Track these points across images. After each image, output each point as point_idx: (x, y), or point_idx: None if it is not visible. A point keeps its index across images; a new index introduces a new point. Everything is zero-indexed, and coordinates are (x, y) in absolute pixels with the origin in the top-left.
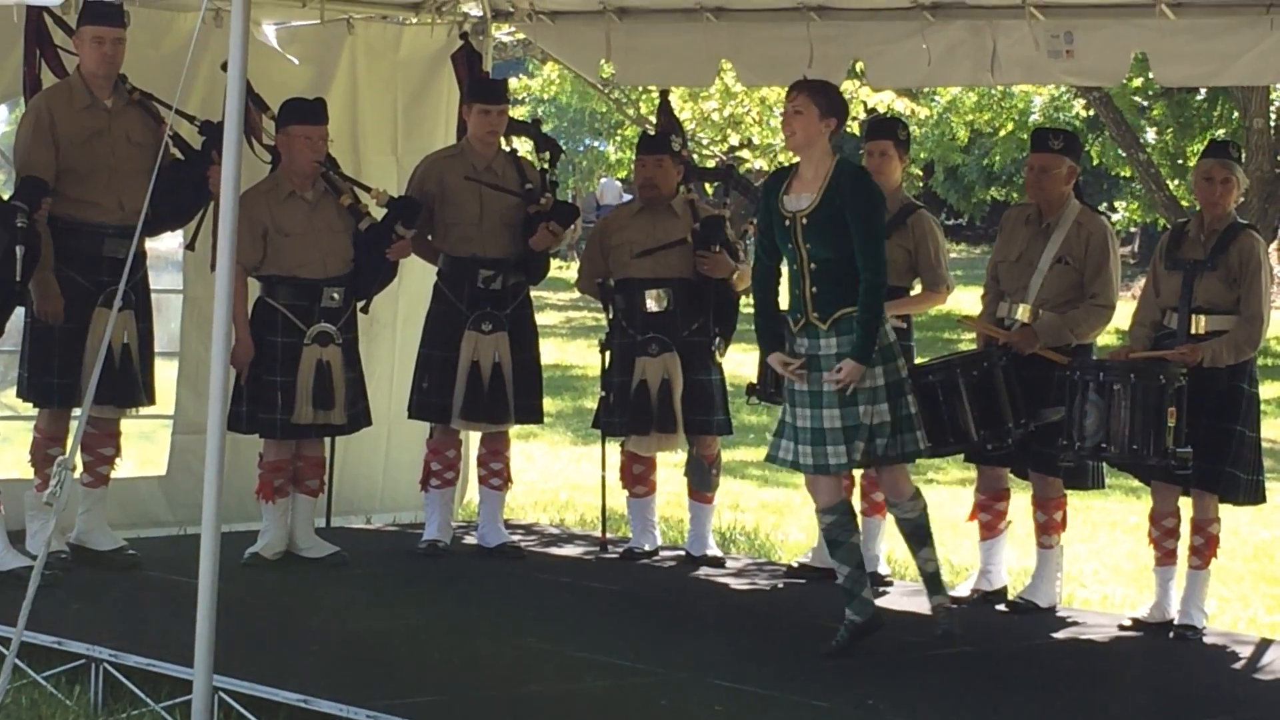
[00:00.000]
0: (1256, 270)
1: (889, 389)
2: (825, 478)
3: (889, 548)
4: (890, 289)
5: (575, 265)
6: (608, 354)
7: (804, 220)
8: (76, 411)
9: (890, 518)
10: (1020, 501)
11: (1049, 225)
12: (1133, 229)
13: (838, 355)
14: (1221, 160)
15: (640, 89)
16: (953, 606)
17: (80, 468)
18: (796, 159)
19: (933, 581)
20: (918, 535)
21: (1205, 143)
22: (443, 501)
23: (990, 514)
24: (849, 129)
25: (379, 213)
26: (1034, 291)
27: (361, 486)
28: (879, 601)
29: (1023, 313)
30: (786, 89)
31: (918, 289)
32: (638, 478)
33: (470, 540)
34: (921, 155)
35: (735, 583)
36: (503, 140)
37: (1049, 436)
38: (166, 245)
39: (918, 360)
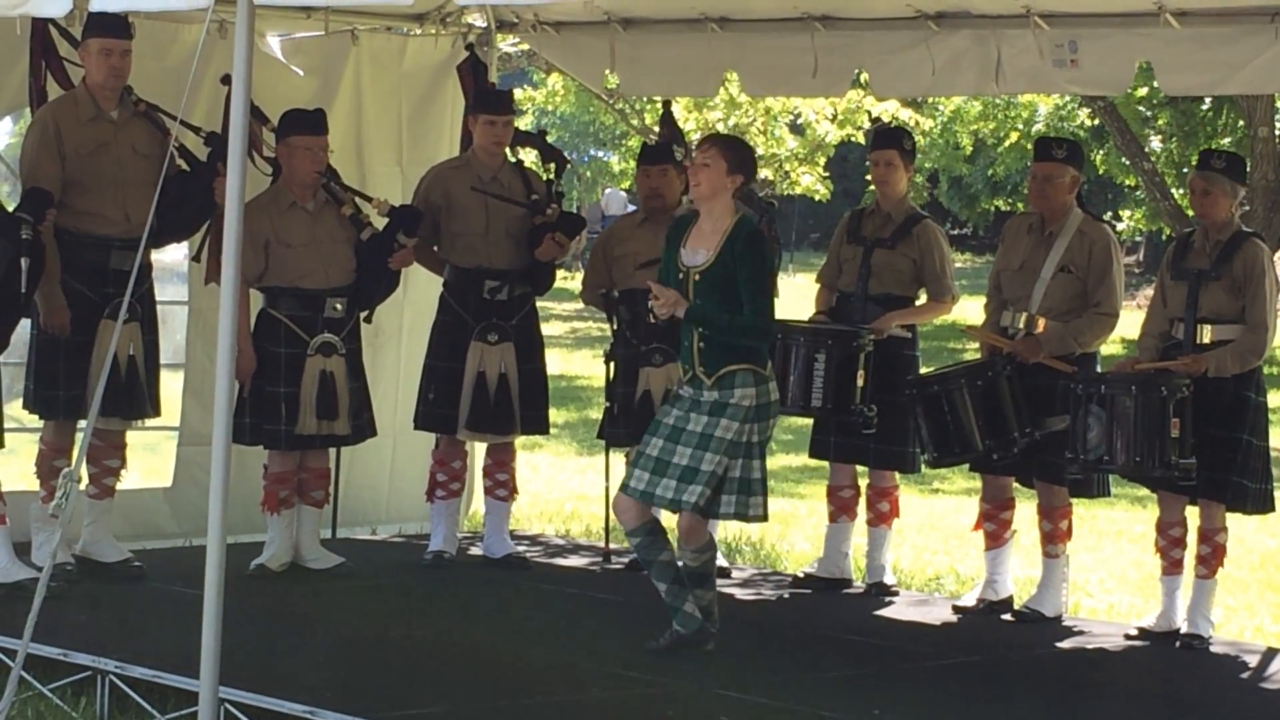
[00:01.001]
0: (1260, 279)
1: (752, 448)
2: (628, 501)
3: (894, 558)
4: (895, 299)
5: (580, 276)
6: (612, 364)
7: (696, 276)
8: (82, 423)
9: (894, 528)
10: (1026, 511)
11: (1051, 234)
12: (1138, 238)
13: (714, 404)
14: (1201, 172)
15: (645, 99)
16: (713, 631)
17: (86, 479)
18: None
19: (705, 612)
20: (699, 578)
21: None
22: (448, 512)
23: (995, 523)
24: (855, 139)
25: (381, 222)
26: (1037, 300)
27: (367, 497)
28: (884, 612)
29: (1025, 321)
30: (698, 142)
31: (923, 299)
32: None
33: (476, 551)
34: (926, 165)
35: (741, 593)
36: (508, 151)
37: (1054, 445)
38: (172, 257)
39: (922, 370)
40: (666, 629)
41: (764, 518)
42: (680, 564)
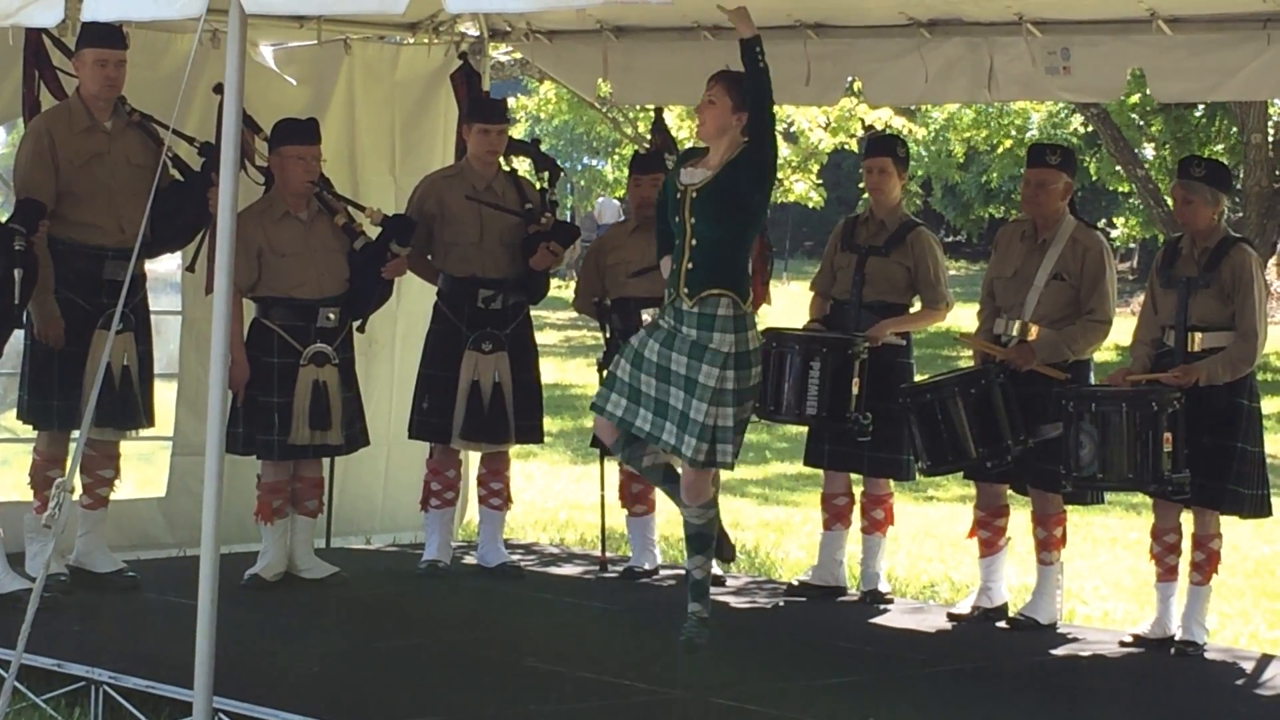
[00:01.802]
0: (1249, 285)
1: (737, 394)
2: (608, 424)
3: (889, 565)
4: (889, 306)
5: (574, 284)
6: (605, 373)
7: (694, 194)
8: (76, 434)
9: (889, 535)
10: (1020, 518)
11: (1044, 241)
12: (1131, 245)
13: (694, 345)
14: (1182, 181)
15: (638, 108)
16: (705, 616)
17: (79, 490)
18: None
19: (696, 588)
20: (698, 541)
21: None
22: (443, 521)
23: (990, 531)
24: (848, 146)
25: (374, 232)
26: (1030, 308)
27: (361, 507)
28: (879, 619)
29: (1019, 329)
30: (708, 80)
31: (917, 307)
32: (637, 497)
33: (470, 560)
34: (919, 173)
35: (735, 601)
36: (502, 160)
37: (1048, 453)
38: (165, 267)
39: (916, 378)
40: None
41: (730, 465)
42: (685, 523)
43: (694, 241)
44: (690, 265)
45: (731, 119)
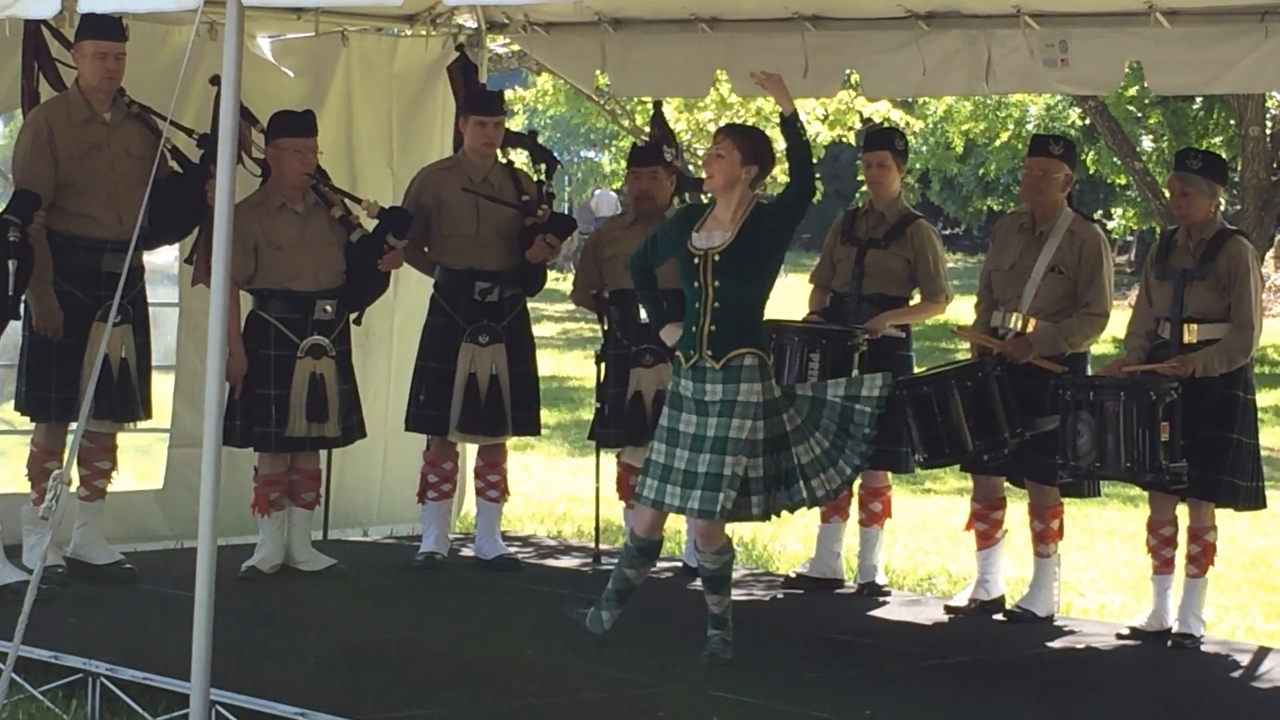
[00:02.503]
0: (1245, 277)
1: (768, 443)
2: (645, 510)
3: (886, 558)
4: (889, 298)
5: (571, 277)
6: (603, 365)
7: (715, 257)
8: (73, 425)
9: (887, 528)
10: (1017, 511)
11: (1042, 234)
12: (1129, 237)
13: (723, 404)
14: (1178, 173)
15: (635, 100)
16: (728, 640)
17: (77, 481)
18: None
19: (716, 620)
20: (714, 583)
21: None
22: (440, 514)
23: (986, 523)
24: (846, 139)
25: (371, 224)
26: (1028, 300)
27: (359, 499)
28: (876, 612)
29: (1016, 321)
30: (715, 132)
31: (916, 299)
32: (633, 489)
33: (467, 552)
34: (917, 165)
35: (733, 594)
36: (499, 152)
37: (1045, 445)
38: (162, 259)
39: (915, 370)
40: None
41: (765, 517)
42: (698, 567)
43: (717, 304)
44: (714, 328)
45: (740, 172)
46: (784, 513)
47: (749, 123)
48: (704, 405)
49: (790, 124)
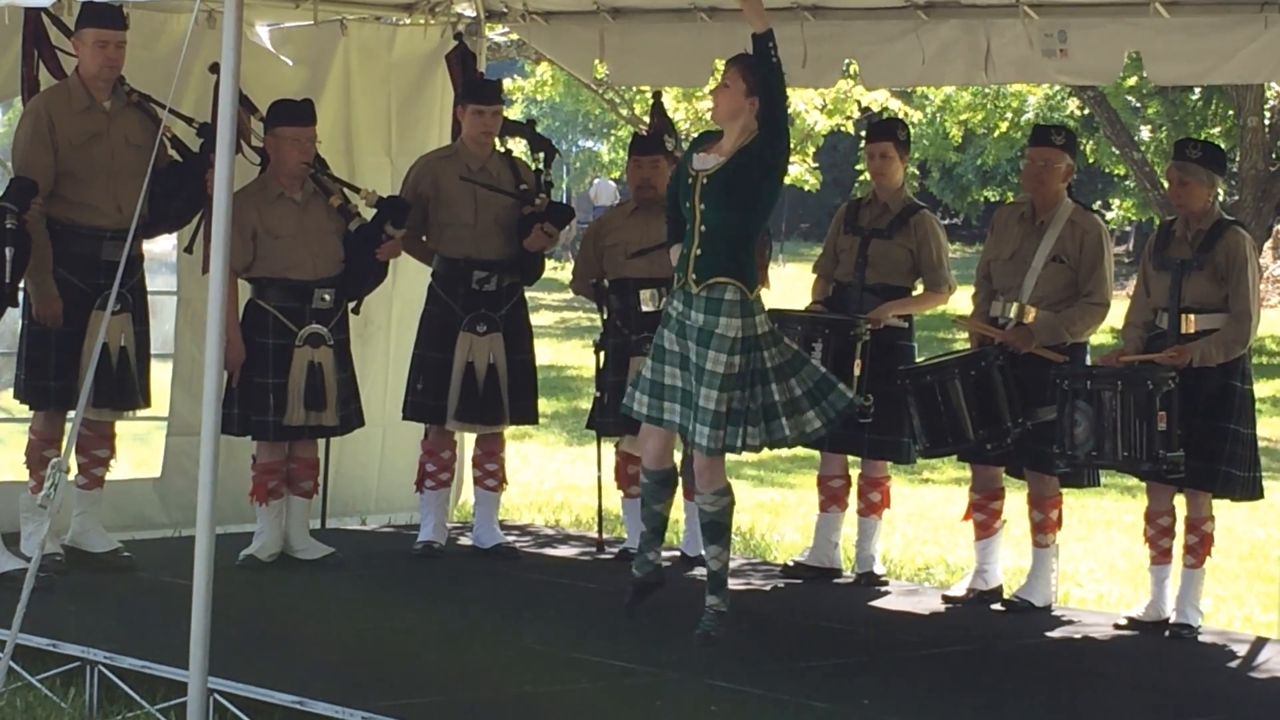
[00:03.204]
0: (1243, 267)
1: (744, 377)
2: (649, 430)
3: (884, 548)
4: (892, 289)
5: (569, 266)
6: (602, 354)
7: (704, 179)
8: (72, 413)
9: (885, 518)
10: (1016, 501)
11: (1042, 223)
12: (1127, 228)
13: (700, 332)
14: (1178, 162)
15: (634, 89)
16: (723, 610)
17: (75, 470)
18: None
19: (713, 580)
20: (713, 530)
21: None
22: (438, 503)
23: (985, 513)
24: (844, 128)
25: (369, 213)
26: (1028, 290)
27: (356, 488)
28: (874, 601)
29: (1016, 311)
30: (726, 61)
31: (919, 289)
32: (633, 478)
33: (465, 541)
34: (916, 155)
35: (731, 582)
36: (497, 141)
37: (1044, 435)
38: (161, 247)
39: (917, 360)
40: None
41: (742, 449)
42: (699, 512)
43: (703, 228)
44: (699, 251)
45: (745, 103)
46: (764, 449)
47: None
48: (685, 329)
49: (762, 41)
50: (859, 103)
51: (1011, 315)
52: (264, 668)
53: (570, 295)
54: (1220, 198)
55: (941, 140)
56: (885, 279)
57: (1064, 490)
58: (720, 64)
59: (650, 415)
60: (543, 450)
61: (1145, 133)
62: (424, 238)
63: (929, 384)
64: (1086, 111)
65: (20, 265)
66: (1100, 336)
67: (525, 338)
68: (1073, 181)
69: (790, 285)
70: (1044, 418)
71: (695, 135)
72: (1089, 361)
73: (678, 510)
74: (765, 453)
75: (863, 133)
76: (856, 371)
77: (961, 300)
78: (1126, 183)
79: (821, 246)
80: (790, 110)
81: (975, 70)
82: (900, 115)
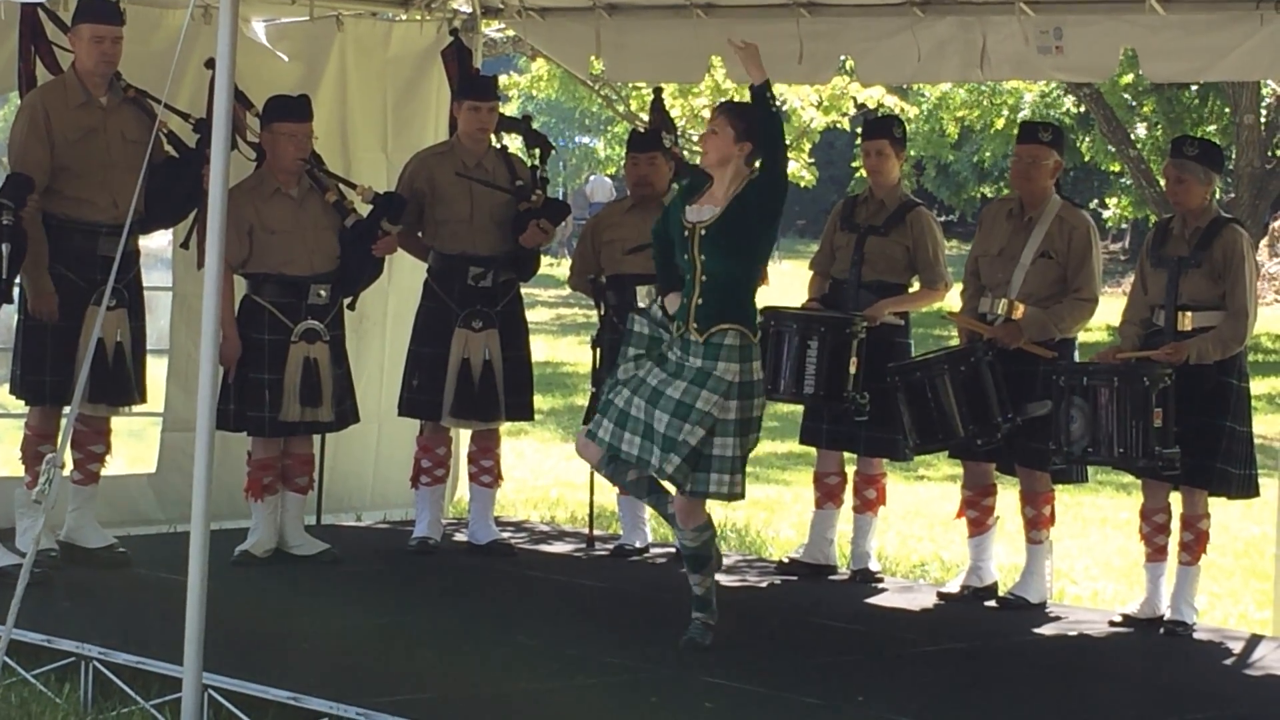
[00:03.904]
0: (1240, 265)
1: (739, 425)
2: (592, 444)
3: (879, 544)
4: (888, 286)
5: (566, 262)
6: (598, 351)
7: (702, 231)
8: (67, 409)
9: (880, 515)
10: (1009, 498)
11: (1031, 220)
12: (1123, 225)
13: (698, 372)
14: (1175, 160)
15: (630, 85)
16: (710, 623)
17: (70, 465)
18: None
19: (698, 602)
20: (695, 561)
21: None
22: (433, 499)
23: (978, 510)
24: (840, 125)
25: (365, 209)
26: (1016, 286)
27: (352, 484)
28: (869, 598)
29: (1005, 307)
30: (712, 109)
31: (916, 286)
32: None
33: (460, 537)
34: (912, 152)
35: (725, 579)
36: (493, 137)
37: (1035, 431)
38: (156, 243)
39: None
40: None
41: (738, 496)
42: (679, 545)
43: (704, 278)
44: (700, 301)
45: (734, 149)
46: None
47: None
48: (680, 368)
49: (760, 93)
50: (855, 99)
51: (1000, 311)
52: (259, 664)
53: (567, 291)
54: (1217, 195)
55: (938, 138)
56: (882, 276)
57: (1058, 487)
58: (717, 61)
59: (611, 443)
60: (538, 446)
61: (1141, 130)
62: (420, 234)
63: (918, 380)
64: (1082, 109)
65: (17, 261)
66: (1095, 334)
67: (521, 334)
68: (1068, 179)
69: (787, 282)
70: (1033, 413)
71: (679, 186)
72: (1077, 357)
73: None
74: (760, 450)
75: (859, 129)
76: (852, 369)
77: (957, 297)
78: (1122, 180)
79: (818, 243)
80: (786, 107)
81: (971, 67)
82: (896, 112)
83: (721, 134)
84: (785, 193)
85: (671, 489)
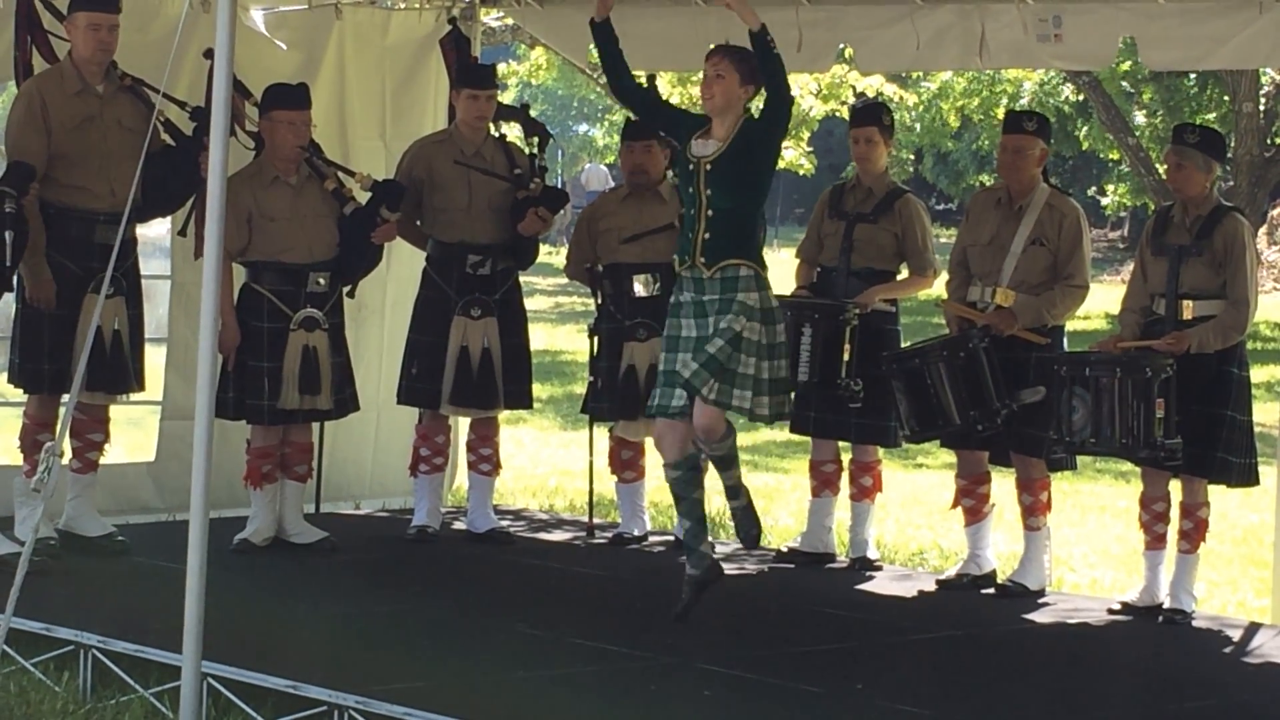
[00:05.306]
0: (1241, 254)
1: (765, 348)
2: (666, 425)
3: (878, 533)
4: (877, 273)
5: (564, 250)
6: (596, 339)
7: (708, 166)
8: (66, 397)
9: (878, 502)
10: (1006, 486)
11: (1020, 208)
12: (1122, 213)
13: (721, 301)
14: (1175, 146)
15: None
16: (748, 504)
17: (69, 453)
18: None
19: (731, 490)
20: (723, 462)
21: None
22: (432, 487)
23: (973, 498)
24: (839, 113)
25: (364, 197)
26: (1007, 274)
27: (351, 472)
28: (867, 586)
29: (997, 296)
30: (708, 53)
31: (904, 273)
32: (626, 463)
33: (459, 526)
34: (912, 140)
35: (725, 567)
36: (491, 125)
37: (1030, 418)
38: (155, 231)
39: (904, 345)
40: (677, 598)
41: (761, 418)
42: (710, 457)
43: (710, 212)
44: (707, 235)
45: (739, 91)
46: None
47: None
48: (703, 306)
49: (759, 38)
50: (854, 88)
51: (991, 300)
52: (258, 652)
53: (565, 280)
54: (1217, 184)
55: (939, 127)
56: (870, 263)
57: (1054, 474)
58: None
59: (660, 405)
60: (537, 435)
61: (1140, 118)
62: (418, 222)
63: (916, 368)
64: (1081, 97)
65: (19, 249)
66: (1095, 322)
67: (519, 322)
68: (1066, 167)
69: (785, 270)
70: (1027, 400)
71: (692, 120)
72: (1067, 344)
73: (668, 494)
74: (758, 438)
75: None
76: (845, 356)
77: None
78: (1121, 168)
79: None
80: None
81: (970, 55)
82: (895, 100)
83: (728, 77)
84: (787, 130)
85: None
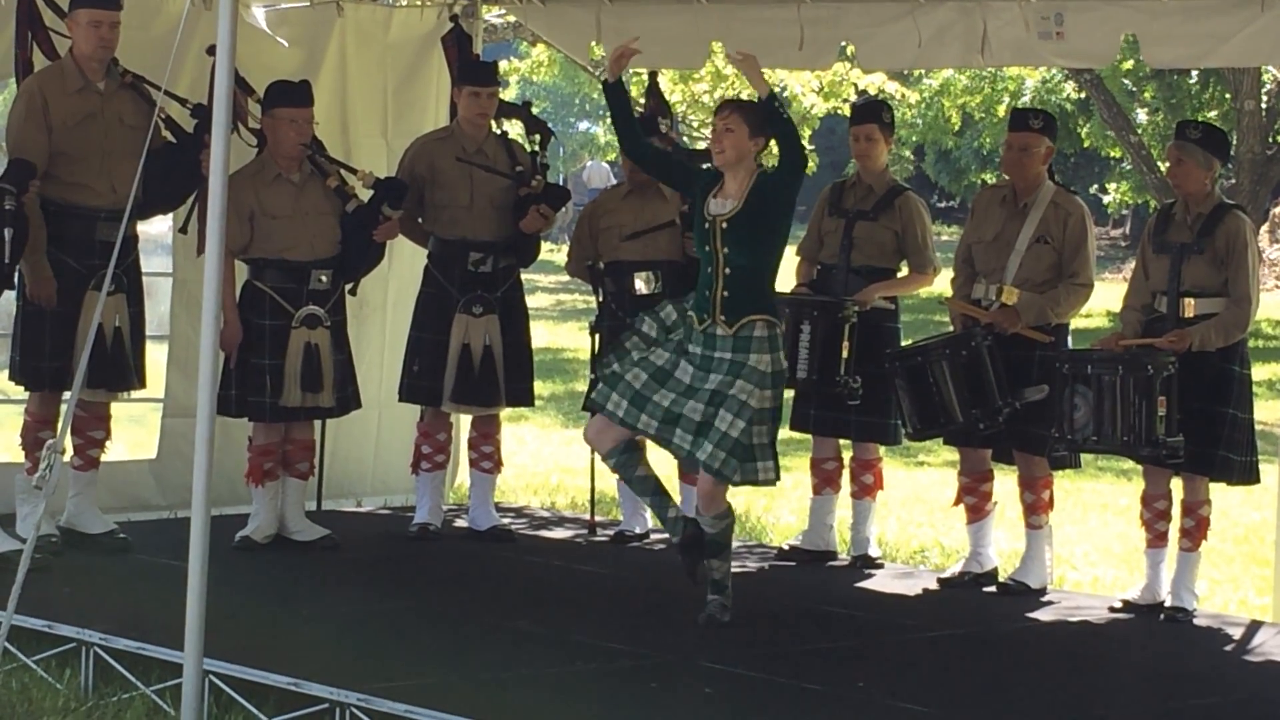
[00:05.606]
0: (1243, 252)
1: (764, 414)
2: (604, 423)
3: (879, 531)
4: (877, 270)
5: (565, 248)
6: (598, 336)
7: (724, 224)
8: (67, 395)
9: (879, 500)
10: (1008, 484)
11: (1025, 206)
12: (1124, 211)
13: (731, 363)
14: (1176, 142)
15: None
16: (726, 605)
17: (70, 451)
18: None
19: (715, 586)
20: (714, 547)
21: None
22: (433, 485)
23: (975, 496)
24: (840, 111)
25: (366, 194)
26: (1011, 272)
27: (352, 469)
28: (869, 584)
29: (1002, 294)
30: (717, 107)
31: (904, 271)
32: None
33: (461, 523)
34: (914, 138)
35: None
36: (493, 123)
37: (1033, 416)
38: (156, 228)
39: (904, 343)
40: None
41: (774, 481)
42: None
43: (728, 270)
44: (726, 293)
45: (749, 145)
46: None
47: (743, 95)
48: (710, 361)
49: (769, 104)
50: (856, 85)
51: (996, 297)
52: (259, 649)
53: (567, 277)
54: (1219, 181)
55: (941, 124)
56: (870, 261)
57: (1056, 473)
58: (717, 46)
59: (625, 420)
60: (538, 432)
61: (1142, 116)
62: (419, 219)
63: (919, 365)
64: (1083, 94)
65: (19, 247)
66: (1096, 320)
67: (521, 319)
68: (1068, 165)
69: (786, 267)
70: (1030, 398)
71: (704, 174)
72: (1071, 342)
73: (674, 492)
74: None
75: None
76: (844, 353)
77: (947, 283)
78: (1123, 166)
79: None
80: (787, 93)
81: (972, 53)
82: (897, 98)
83: (737, 131)
84: (800, 187)
85: (675, 494)
